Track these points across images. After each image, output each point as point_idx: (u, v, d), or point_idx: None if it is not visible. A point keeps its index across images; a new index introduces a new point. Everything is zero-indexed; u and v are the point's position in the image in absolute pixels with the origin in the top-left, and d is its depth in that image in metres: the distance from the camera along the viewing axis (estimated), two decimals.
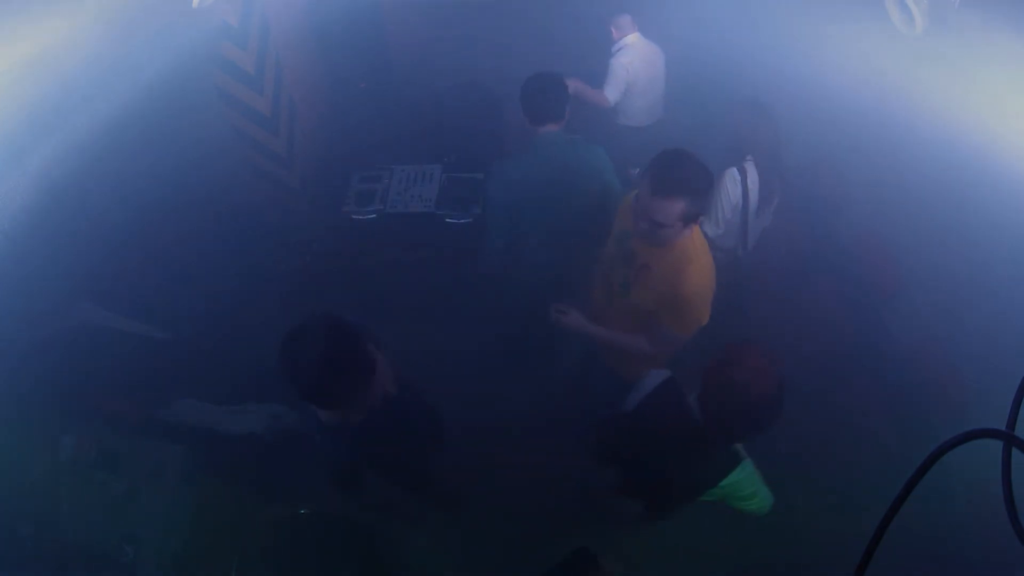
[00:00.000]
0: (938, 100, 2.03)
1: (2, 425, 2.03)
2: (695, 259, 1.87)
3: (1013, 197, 2.00)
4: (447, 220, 3.15)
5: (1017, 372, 0.68)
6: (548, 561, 1.77)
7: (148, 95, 2.30)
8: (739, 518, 2.38)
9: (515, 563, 2.45)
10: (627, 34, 3.32)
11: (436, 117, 3.62)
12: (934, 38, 1.96)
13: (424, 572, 2.56)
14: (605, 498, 2.17)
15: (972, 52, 1.85)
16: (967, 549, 2.21)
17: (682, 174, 1.71)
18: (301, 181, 3.52)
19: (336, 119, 3.85)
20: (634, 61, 3.29)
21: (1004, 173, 1.94)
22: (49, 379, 2.19)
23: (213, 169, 2.99)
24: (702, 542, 2.55)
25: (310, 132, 3.61)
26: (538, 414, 2.77)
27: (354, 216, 3.19)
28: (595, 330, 2.08)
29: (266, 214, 3.49)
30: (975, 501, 2.02)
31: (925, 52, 2.01)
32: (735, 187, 2.47)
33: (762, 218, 2.63)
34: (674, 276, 1.86)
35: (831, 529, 2.27)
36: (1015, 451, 0.62)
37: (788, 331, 2.71)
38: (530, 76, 2.18)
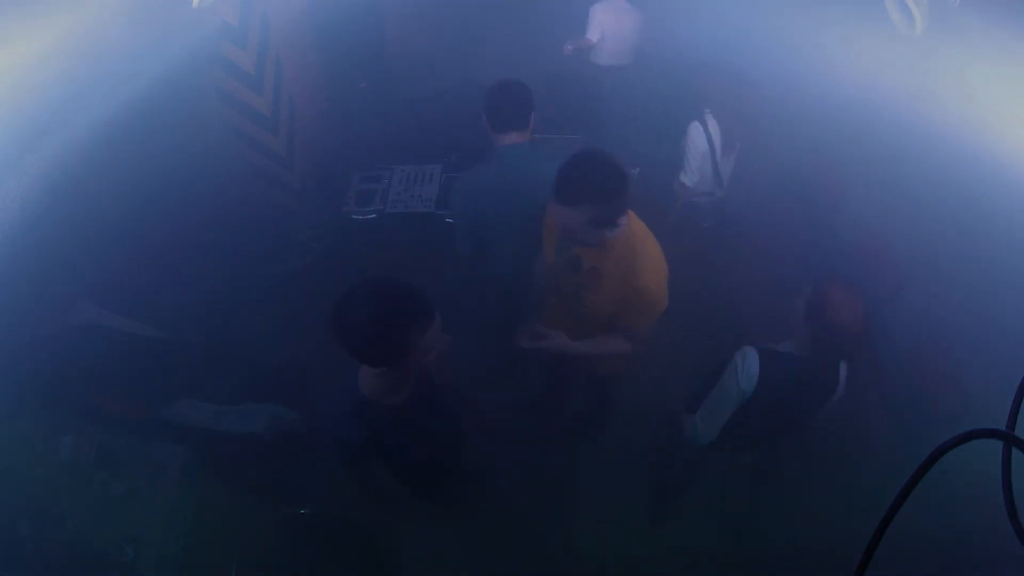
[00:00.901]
0: (938, 100, 2.03)
1: (2, 425, 2.03)
2: (641, 250, 1.81)
3: (1013, 197, 2.00)
4: (447, 220, 3.15)
5: (1017, 372, 0.68)
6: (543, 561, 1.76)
7: (148, 95, 2.30)
8: (738, 518, 2.38)
9: (514, 563, 2.45)
10: None
11: (436, 117, 3.62)
12: (934, 38, 1.96)
13: (424, 572, 2.56)
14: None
15: (972, 52, 1.85)
16: (967, 549, 2.21)
17: (585, 181, 1.64)
18: (301, 181, 3.52)
19: (336, 119, 3.85)
20: (607, 11, 3.87)
21: (1004, 173, 1.94)
22: (49, 379, 2.18)
23: (213, 169, 2.99)
24: (702, 541, 2.56)
25: (310, 132, 3.61)
26: (537, 414, 2.77)
27: (354, 216, 3.19)
28: (580, 347, 1.99)
29: (266, 214, 3.49)
30: (975, 501, 2.02)
31: (925, 52, 2.01)
32: (700, 138, 2.81)
33: (728, 162, 2.95)
34: (625, 273, 1.81)
35: (831, 529, 2.26)
36: (1015, 451, 0.62)
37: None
38: (494, 84, 2.15)
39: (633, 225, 1.82)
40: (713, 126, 2.81)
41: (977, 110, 1.90)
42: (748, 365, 1.91)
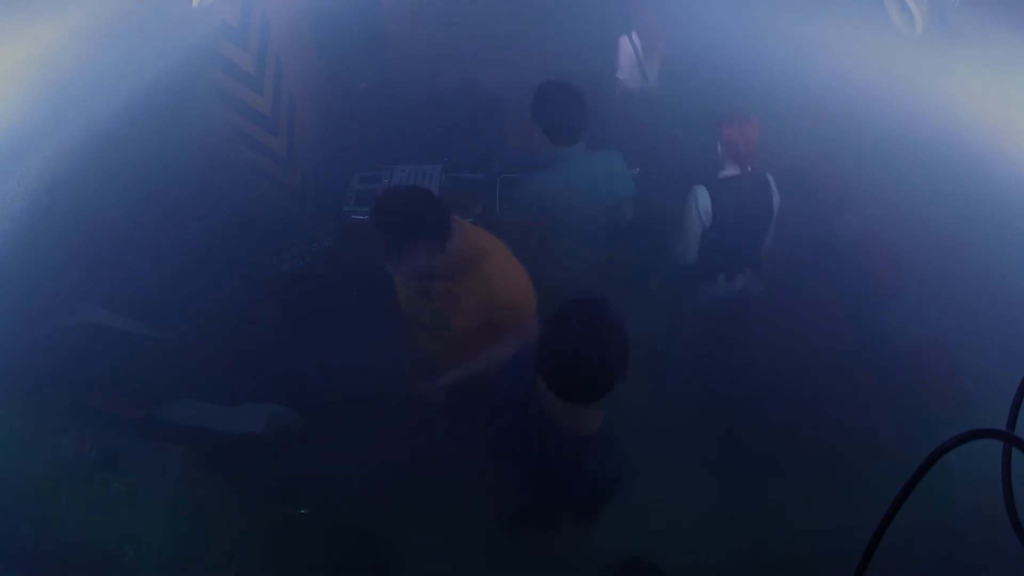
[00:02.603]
0: (938, 100, 2.03)
1: (2, 425, 2.03)
2: (496, 271, 1.74)
3: (1013, 196, 2.00)
4: None
5: (1017, 372, 0.68)
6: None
7: (148, 95, 2.30)
8: (739, 517, 2.38)
9: (513, 562, 2.45)
10: None
11: (436, 117, 3.62)
12: (934, 38, 1.96)
13: (424, 572, 2.56)
14: None
15: (972, 52, 1.85)
16: (967, 549, 2.21)
17: (388, 229, 1.64)
18: (301, 181, 3.52)
19: (336, 119, 3.85)
20: None
21: (1004, 172, 1.94)
22: (49, 379, 2.18)
23: (213, 169, 2.99)
24: (702, 540, 2.56)
25: (310, 132, 3.61)
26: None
27: (354, 216, 3.19)
28: (467, 371, 1.89)
29: (266, 214, 3.49)
30: (975, 501, 2.02)
31: (925, 52, 2.01)
32: (628, 47, 3.55)
33: (652, 65, 3.68)
34: (484, 286, 1.74)
35: (831, 529, 2.27)
36: (1015, 451, 0.62)
37: (788, 332, 2.71)
38: (544, 89, 2.06)
39: (483, 243, 1.77)
40: (636, 39, 3.53)
41: (977, 110, 1.90)
42: (700, 198, 2.41)
